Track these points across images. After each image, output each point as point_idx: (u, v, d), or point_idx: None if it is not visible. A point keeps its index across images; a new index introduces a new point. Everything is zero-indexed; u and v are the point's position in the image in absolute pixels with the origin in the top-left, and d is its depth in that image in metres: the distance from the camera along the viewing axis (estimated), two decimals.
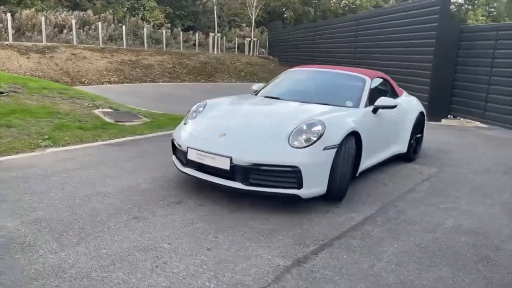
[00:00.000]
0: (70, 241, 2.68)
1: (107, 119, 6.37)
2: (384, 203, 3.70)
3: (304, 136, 3.42)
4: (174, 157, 3.95)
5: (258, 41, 24.19)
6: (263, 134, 3.53)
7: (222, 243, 2.80)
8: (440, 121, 9.67)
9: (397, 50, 11.41)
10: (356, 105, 4.28)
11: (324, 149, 3.35)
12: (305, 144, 3.36)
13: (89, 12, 19.77)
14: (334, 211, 3.44)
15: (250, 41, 23.51)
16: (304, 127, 3.49)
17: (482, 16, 29.39)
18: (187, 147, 3.57)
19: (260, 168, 3.26)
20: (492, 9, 31.53)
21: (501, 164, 5.27)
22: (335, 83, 4.88)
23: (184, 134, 3.81)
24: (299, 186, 3.27)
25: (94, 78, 14.56)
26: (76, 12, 19.33)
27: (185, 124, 4.03)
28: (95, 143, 5.18)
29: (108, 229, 2.89)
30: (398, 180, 4.38)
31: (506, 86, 8.35)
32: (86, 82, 14.02)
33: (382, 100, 4.30)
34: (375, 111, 4.25)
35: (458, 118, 9.86)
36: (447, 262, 2.71)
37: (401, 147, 4.94)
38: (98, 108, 7.00)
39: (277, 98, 4.53)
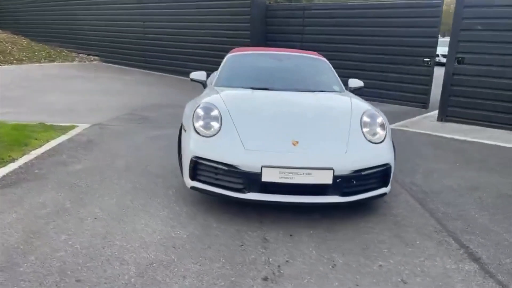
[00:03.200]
0: None
1: None
2: None
3: (368, 129, 3.36)
4: (210, 187, 3.11)
5: None
6: (333, 135, 3.26)
7: None
8: None
9: (212, 25, 11.49)
10: (342, 89, 4.37)
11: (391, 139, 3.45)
12: (381, 139, 3.32)
13: None
14: None
15: None
16: (368, 120, 3.41)
17: None
18: (262, 166, 2.93)
19: (362, 173, 3.04)
20: None
21: None
22: (302, 66, 4.74)
23: (234, 151, 3.05)
24: (387, 183, 3.24)
25: None
26: None
27: (203, 136, 3.20)
28: None
29: None
30: None
31: None
32: None
33: (354, 82, 4.55)
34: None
35: None
36: None
37: None
38: None
39: (266, 89, 4.12)
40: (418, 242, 2.93)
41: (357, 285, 2.40)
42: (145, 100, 8.26)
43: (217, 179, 3.12)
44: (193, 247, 2.74)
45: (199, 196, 3.49)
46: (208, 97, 3.70)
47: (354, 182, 3.06)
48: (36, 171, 3.99)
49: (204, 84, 4.58)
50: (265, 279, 2.42)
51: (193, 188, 3.23)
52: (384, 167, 3.20)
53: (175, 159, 4.16)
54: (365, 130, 3.34)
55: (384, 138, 3.35)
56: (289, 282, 2.39)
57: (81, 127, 5.80)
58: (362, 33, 8.96)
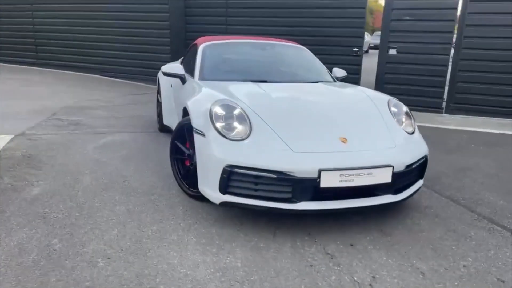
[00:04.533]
0: None
1: None
2: None
3: (398, 119, 3.14)
4: (248, 200, 2.60)
5: None
6: (373, 128, 2.97)
7: None
8: None
9: (133, 23, 10.31)
10: (333, 79, 4.08)
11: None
12: (413, 128, 3.10)
13: None
14: None
15: None
16: (395, 109, 3.15)
17: None
18: (320, 170, 2.46)
19: (412, 167, 2.77)
20: None
21: None
22: (289, 55, 4.35)
23: (281, 155, 2.56)
24: (422, 175, 3.02)
25: None
26: None
27: (232, 140, 2.65)
28: None
29: None
30: None
31: None
32: None
33: (338, 72, 4.30)
34: None
35: None
36: None
37: None
38: None
39: (264, 81, 3.64)
40: (473, 234, 2.83)
41: None
42: (59, 102, 7.04)
43: (257, 190, 2.61)
44: (260, 277, 2.23)
45: (218, 211, 2.95)
46: (214, 93, 3.12)
47: (405, 178, 2.83)
48: None
49: (182, 78, 3.91)
50: None
51: (224, 203, 2.67)
52: (424, 159, 3.03)
53: (152, 171, 3.69)
54: (396, 120, 3.13)
55: (415, 127, 3.18)
56: None
57: (3, 139, 4.63)
58: (293, 23, 8.83)
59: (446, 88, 7.41)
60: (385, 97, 3.41)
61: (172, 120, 4.76)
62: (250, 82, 3.60)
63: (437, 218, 3.04)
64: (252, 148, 2.62)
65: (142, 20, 10.01)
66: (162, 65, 4.29)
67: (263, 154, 2.58)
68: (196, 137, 2.86)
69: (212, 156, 2.65)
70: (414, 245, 2.63)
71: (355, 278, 2.25)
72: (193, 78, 3.80)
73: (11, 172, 3.63)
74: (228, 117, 2.78)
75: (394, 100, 3.38)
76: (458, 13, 7.05)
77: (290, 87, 3.64)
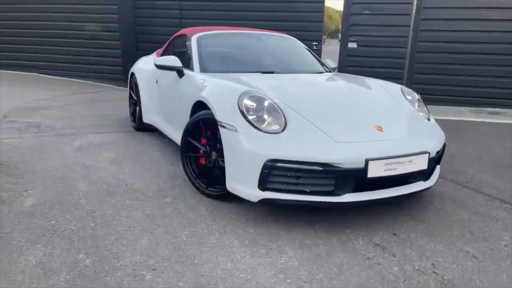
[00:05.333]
0: None
1: None
2: None
3: (415, 106, 3.16)
4: (290, 196, 2.46)
5: None
6: (399, 116, 2.96)
7: None
8: None
9: (75, 17, 9.47)
10: (329, 70, 4.04)
11: None
12: (428, 114, 3.14)
13: None
14: None
15: None
16: (410, 97, 3.15)
17: None
18: (366, 159, 2.37)
19: (440, 153, 2.81)
20: None
21: None
22: (286, 46, 4.24)
23: (324, 146, 2.44)
24: (439, 161, 3.04)
25: None
26: None
27: (269, 133, 2.48)
28: None
29: None
30: None
31: None
32: None
33: (330, 62, 4.25)
34: None
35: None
36: None
37: None
38: None
39: (271, 72, 3.52)
40: (495, 214, 2.94)
41: None
42: (5, 104, 6.32)
43: (297, 184, 2.49)
44: (326, 275, 2.11)
45: (244, 210, 2.81)
46: (235, 85, 2.93)
47: (434, 164, 2.86)
48: None
49: (179, 71, 3.64)
50: None
51: (263, 201, 2.52)
52: (444, 145, 3.09)
53: (151, 172, 3.50)
54: (416, 107, 3.16)
55: (430, 114, 3.24)
56: None
57: None
58: (250, 17, 8.72)
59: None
60: (396, 86, 3.44)
61: (156, 117, 4.45)
62: (259, 73, 3.45)
63: (455, 202, 3.12)
64: (293, 141, 2.48)
65: (84, 13, 9.31)
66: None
67: (306, 146, 2.46)
68: (224, 131, 2.66)
69: (249, 151, 2.48)
70: (451, 229, 2.67)
71: (417, 267, 2.22)
72: (193, 71, 3.55)
73: None
74: (259, 109, 2.61)
75: (405, 88, 3.41)
76: (414, 7, 7.38)
77: (302, 78, 3.55)
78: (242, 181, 2.55)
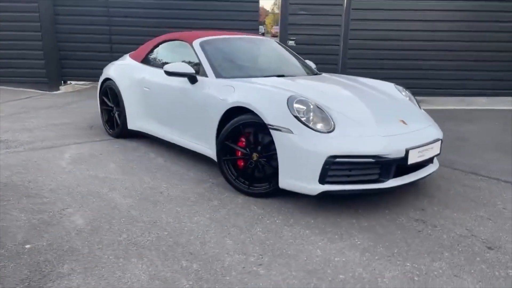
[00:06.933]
0: None
1: None
2: None
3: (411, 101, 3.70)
4: (345, 186, 2.83)
5: None
6: (406, 109, 3.47)
7: None
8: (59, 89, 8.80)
9: None
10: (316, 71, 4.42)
11: None
12: (420, 107, 3.70)
13: None
14: None
15: None
16: (404, 93, 3.74)
17: None
18: (406, 149, 2.81)
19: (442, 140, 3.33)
20: None
21: None
22: (277, 50, 4.51)
23: (372, 141, 2.85)
24: None
25: None
26: None
27: (323, 132, 2.78)
28: None
29: None
30: None
31: None
32: None
33: (312, 64, 4.64)
34: None
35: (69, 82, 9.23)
36: None
37: None
38: None
39: (282, 76, 3.79)
40: (478, 185, 3.63)
41: None
42: None
43: (349, 175, 2.86)
44: (399, 248, 2.52)
45: (296, 205, 3.10)
46: (274, 89, 3.18)
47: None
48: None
49: (193, 77, 3.71)
50: (490, 248, 2.57)
51: (323, 193, 2.84)
52: None
53: (176, 177, 3.63)
54: (412, 102, 3.72)
55: (420, 107, 3.83)
56: None
57: None
58: (183, 15, 8.67)
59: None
60: (388, 83, 3.97)
61: (147, 124, 4.42)
62: (274, 77, 3.70)
63: (444, 179, 3.76)
64: (346, 138, 2.83)
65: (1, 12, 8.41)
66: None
67: (358, 142, 2.83)
68: (277, 133, 2.89)
69: (308, 150, 2.77)
70: (457, 200, 3.27)
71: (458, 233, 2.73)
72: (207, 77, 3.67)
73: (12, 205, 2.95)
74: (308, 111, 2.90)
75: (396, 85, 3.96)
76: (344, 9, 8.16)
77: (313, 80, 3.87)
78: (300, 177, 2.83)
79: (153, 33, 8.37)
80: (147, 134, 4.47)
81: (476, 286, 2.15)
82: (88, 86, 9.38)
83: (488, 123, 6.34)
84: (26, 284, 2.08)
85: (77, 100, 7.56)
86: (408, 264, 2.35)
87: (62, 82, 9.09)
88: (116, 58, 5.34)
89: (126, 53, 5.31)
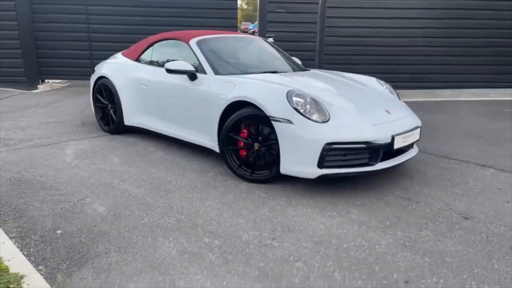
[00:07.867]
0: None
1: None
2: None
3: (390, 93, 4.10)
4: (340, 170, 3.20)
5: None
6: (389, 100, 3.85)
7: None
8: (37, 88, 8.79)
9: None
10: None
11: None
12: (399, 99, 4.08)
13: None
14: None
15: None
16: (385, 86, 4.10)
17: None
18: (392, 136, 3.18)
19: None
20: None
21: None
22: (265, 47, 4.76)
23: (364, 129, 3.21)
24: None
25: None
26: None
27: (320, 122, 3.12)
28: None
29: None
30: None
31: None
32: None
33: (298, 60, 4.97)
34: None
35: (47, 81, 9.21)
36: None
37: None
38: None
39: (275, 72, 4.09)
40: (451, 167, 4.09)
41: None
42: None
43: (344, 160, 3.23)
44: (391, 221, 2.90)
45: (289, 187, 3.43)
46: (272, 84, 3.50)
47: None
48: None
49: (193, 75, 3.97)
50: (466, 218, 2.99)
51: (321, 177, 3.19)
52: None
53: (176, 168, 3.74)
54: (392, 94, 4.12)
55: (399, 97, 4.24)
56: None
57: None
58: (161, 13, 8.81)
59: None
60: (370, 78, 4.36)
61: (146, 119, 4.64)
62: (269, 73, 4.01)
63: (420, 162, 4.20)
64: (341, 127, 3.18)
65: None
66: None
67: (352, 130, 3.19)
68: (278, 125, 3.21)
69: (307, 138, 3.10)
70: (435, 180, 3.70)
71: (438, 207, 3.14)
72: (206, 74, 3.93)
73: (31, 197, 3.14)
74: (305, 104, 3.24)
75: (378, 79, 4.35)
76: (319, 7, 8.56)
77: (303, 76, 4.20)
78: (300, 163, 3.17)
79: (133, 30, 8.55)
80: (145, 129, 4.69)
81: (458, 248, 2.55)
82: (65, 85, 9.40)
83: (454, 113, 6.90)
84: (68, 263, 2.32)
85: (60, 99, 7.61)
86: (399, 233, 2.73)
87: (40, 80, 9.06)
88: (95, 56, 5.45)
89: (105, 51, 5.46)
